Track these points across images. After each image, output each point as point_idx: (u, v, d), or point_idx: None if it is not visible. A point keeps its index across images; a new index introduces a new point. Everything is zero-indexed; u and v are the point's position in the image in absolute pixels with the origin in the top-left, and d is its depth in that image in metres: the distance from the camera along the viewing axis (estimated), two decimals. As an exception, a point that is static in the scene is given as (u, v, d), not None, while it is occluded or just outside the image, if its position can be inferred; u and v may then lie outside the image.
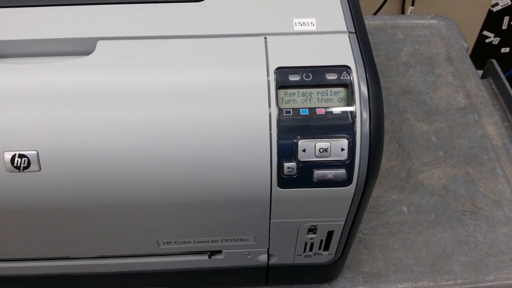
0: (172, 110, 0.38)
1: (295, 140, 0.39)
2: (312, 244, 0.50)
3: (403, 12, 1.38)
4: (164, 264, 0.52)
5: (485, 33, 1.50)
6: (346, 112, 0.39)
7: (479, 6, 1.41)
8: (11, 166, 0.38)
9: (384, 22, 0.93)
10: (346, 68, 0.39)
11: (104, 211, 0.42)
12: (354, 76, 0.39)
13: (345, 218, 0.45)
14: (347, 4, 0.44)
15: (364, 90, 0.39)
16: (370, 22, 0.93)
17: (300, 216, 0.45)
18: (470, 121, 0.78)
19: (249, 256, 0.52)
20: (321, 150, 0.39)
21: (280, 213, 0.44)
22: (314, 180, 0.40)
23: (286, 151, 0.39)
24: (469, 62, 0.86)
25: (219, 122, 0.38)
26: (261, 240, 0.49)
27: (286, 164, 0.39)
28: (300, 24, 0.42)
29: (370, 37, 0.43)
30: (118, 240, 0.48)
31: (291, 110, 0.39)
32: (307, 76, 0.39)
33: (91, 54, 0.40)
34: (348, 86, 0.39)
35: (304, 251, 0.51)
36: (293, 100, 0.39)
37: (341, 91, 0.39)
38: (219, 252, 0.51)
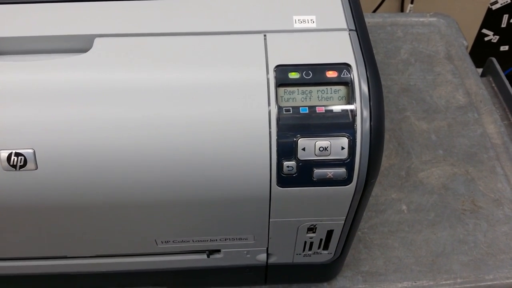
0: (170, 108, 0.38)
1: (294, 139, 0.38)
2: (311, 243, 0.50)
3: (402, 9, 1.38)
4: (162, 263, 0.52)
5: (485, 31, 1.50)
6: (346, 110, 0.39)
7: (479, 4, 1.41)
8: (7, 164, 0.38)
9: (383, 20, 0.93)
10: (347, 66, 0.39)
11: (101, 210, 0.42)
12: (355, 74, 0.39)
13: (344, 218, 0.45)
14: (347, 1, 0.43)
15: (365, 88, 0.39)
16: (369, 19, 0.93)
17: (300, 215, 0.45)
18: (470, 120, 0.78)
19: (248, 255, 0.51)
20: (321, 148, 0.38)
21: (280, 212, 0.44)
22: (314, 179, 0.40)
23: (286, 150, 0.38)
24: (468, 60, 0.86)
25: (218, 120, 0.38)
26: (260, 239, 0.48)
27: (286, 163, 0.39)
28: (300, 22, 0.42)
29: (369, 35, 0.43)
30: (116, 239, 0.47)
31: (290, 108, 0.38)
32: (307, 74, 0.39)
33: (88, 51, 0.40)
34: (348, 84, 0.39)
35: (304, 250, 0.51)
36: (293, 98, 0.39)
37: (341, 89, 0.39)
38: (218, 251, 0.51)
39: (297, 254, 0.52)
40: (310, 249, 0.51)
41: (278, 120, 0.38)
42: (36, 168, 0.38)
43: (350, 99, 0.39)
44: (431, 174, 0.71)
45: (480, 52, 1.52)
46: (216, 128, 0.38)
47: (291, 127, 0.38)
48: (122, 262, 0.52)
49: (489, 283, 0.61)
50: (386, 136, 0.75)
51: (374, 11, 1.36)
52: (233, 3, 0.43)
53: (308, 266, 0.55)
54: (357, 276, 0.61)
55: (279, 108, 0.38)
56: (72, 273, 0.53)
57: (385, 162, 0.72)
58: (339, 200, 0.42)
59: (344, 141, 0.38)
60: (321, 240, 0.49)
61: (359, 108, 0.38)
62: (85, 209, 0.42)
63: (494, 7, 1.44)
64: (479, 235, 0.65)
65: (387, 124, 0.76)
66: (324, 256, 0.52)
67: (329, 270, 0.58)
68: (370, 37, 0.43)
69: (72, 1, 0.43)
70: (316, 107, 0.39)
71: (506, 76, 0.84)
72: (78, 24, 0.41)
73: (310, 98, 0.39)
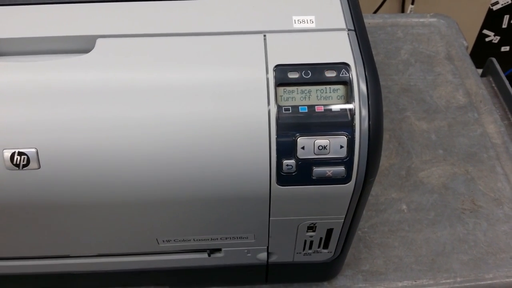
0: (170, 107, 0.38)
1: (294, 138, 0.39)
2: (311, 242, 0.50)
3: (403, 10, 1.38)
4: (163, 262, 0.52)
5: (485, 31, 1.50)
6: (345, 109, 0.39)
7: (479, 5, 1.41)
8: (10, 163, 0.38)
9: (384, 20, 0.93)
10: (345, 65, 0.39)
11: (103, 209, 0.42)
12: (353, 74, 0.39)
13: (344, 216, 0.45)
14: (346, 1, 0.44)
15: (363, 87, 0.39)
16: (370, 20, 0.93)
17: (300, 214, 0.45)
18: (470, 120, 0.78)
19: (248, 254, 0.52)
20: (320, 147, 0.39)
21: (280, 211, 0.44)
22: (313, 178, 0.40)
23: (285, 149, 0.39)
24: (468, 60, 0.86)
25: (218, 120, 0.38)
26: (261, 238, 0.49)
27: (285, 162, 0.39)
28: (299, 22, 0.42)
29: (370, 36, 0.43)
30: (118, 238, 0.48)
31: (290, 107, 0.39)
32: (306, 74, 0.39)
33: (90, 52, 0.40)
34: (347, 83, 0.39)
35: (304, 249, 0.51)
36: (292, 98, 0.39)
37: (340, 88, 0.39)
38: (219, 250, 0.51)
39: (297, 253, 0.52)
40: (310, 248, 0.51)
41: (277, 119, 0.39)
42: (39, 167, 0.38)
43: (348, 98, 0.39)
44: (431, 173, 0.71)
45: (481, 53, 1.52)
46: (216, 127, 0.38)
47: (291, 126, 0.39)
48: (124, 261, 0.52)
49: (489, 282, 0.61)
50: (386, 136, 0.75)
51: (375, 12, 1.36)
52: (233, 3, 0.43)
53: (308, 265, 0.55)
54: (358, 275, 0.62)
55: (279, 107, 0.39)
56: (74, 272, 0.54)
57: (385, 161, 0.72)
58: (338, 198, 0.43)
59: (343, 139, 0.39)
60: (321, 239, 0.49)
61: (358, 107, 0.39)
62: (87, 208, 0.42)
63: (495, 8, 1.44)
64: (479, 234, 0.65)
65: (387, 124, 0.77)
66: (324, 255, 0.53)
67: (329, 269, 0.58)
68: (371, 38, 0.43)
69: (74, 2, 0.43)
70: (315, 106, 0.39)
71: (507, 76, 0.84)
72: (80, 25, 0.42)
73: (309, 98, 0.39)
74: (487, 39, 1.53)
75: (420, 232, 0.65)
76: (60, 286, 0.57)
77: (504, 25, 1.49)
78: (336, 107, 0.39)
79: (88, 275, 0.55)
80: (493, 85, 0.85)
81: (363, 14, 0.44)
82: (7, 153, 0.38)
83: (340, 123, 0.39)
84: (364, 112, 0.39)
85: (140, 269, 0.54)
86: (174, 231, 0.47)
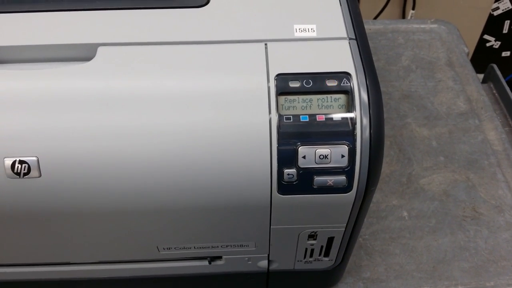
0: (172, 116, 0.38)
1: (295, 147, 0.39)
2: (312, 250, 0.50)
3: (404, 16, 1.38)
4: (164, 270, 0.52)
5: (486, 37, 1.51)
6: (346, 118, 0.39)
7: (480, 10, 1.41)
8: (11, 172, 0.38)
9: (384, 26, 0.93)
10: (346, 74, 0.39)
11: (104, 217, 0.42)
12: (354, 83, 0.39)
13: (345, 225, 0.45)
14: (348, 10, 0.44)
15: (364, 96, 0.39)
16: (370, 26, 0.93)
17: (300, 223, 0.45)
18: (471, 126, 0.78)
19: (249, 262, 0.52)
20: (321, 156, 0.39)
21: (280, 219, 0.44)
22: (314, 187, 0.40)
23: (286, 158, 0.39)
24: (469, 66, 0.86)
25: (219, 128, 0.38)
26: (262, 246, 0.49)
27: (286, 171, 0.39)
28: (300, 31, 0.42)
29: (370, 42, 0.43)
30: (118, 245, 0.48)
31: (291, 116, 0.39)
32: (307, 83, 0.39)
33: (92, 60, 0.40)
34: (348, 92, 0.39)
35: (305, 257, 0.51)
36: (293, 107, 0.39)
37: (341, 97, 0.39)
38: (220, 258, 0.51)
39: (298, 260, 0.52)
40: (311, 256, 0.51)
41: (278, 128, 0.39)
42: (40, 175, 0.38)
43: (350, 107, 0.39)
44: (432, 180, 0.71)
45: (482, 58, 1.52)
46: (217, 136, 0.38)
47: (292, 135, 0.39)
48: (125, 268, 0.52)
49: (490, 289, 0.61)
50: (387, 143, 0.75)
51: (376, 17, 1.36)
52: (234, 12, 0.43)
53: (309, 272, 0.55)
54: (359, 282, 0.62)
55: (280, 116, 0.39)
56: (74, 279, 0.54)
57: (386, 168, 0.72)
58: (339, 207, 0.42)
59: (344, 149, 0.39)
60: (322, 247, 0.49)
61: (359, 116, 0.39)
62: (88, 216, 0.42)
63: (495, 13, 1.44)
64: (480, 242, 0.65)
65: (388, 130, 0.77)
66: (325, 263, 0.53)
67: (330, 277, 0.58)
68: (372, 44, 0.43)
69: (75, 10, 0.43)
70: (317, 115, 0.39)
71: (507, 82, 0.84)
72: (82, 33, 0.42)
73: (310, 107, 0.39)
74: (488, 44, 1.53)
75: (421, 239, 0.65)
76: (60, 293, 0.57)
77: (505, 30, 1.50)
78: (337, 116, 0.39)
79: (88, 282, 0.55)
80: (494, 91, 0.85)
81: (364, 20, 0.44)
82: (8, 161, 0.38)
83: (341, 132, 0.39)
84: (365, 121, 0.39)
85: (140, 276, 0.54)
86: (175, 239, 0.47)
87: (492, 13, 1.44)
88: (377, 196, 0.69)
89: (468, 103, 0.81)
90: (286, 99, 0.39)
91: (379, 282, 0.62)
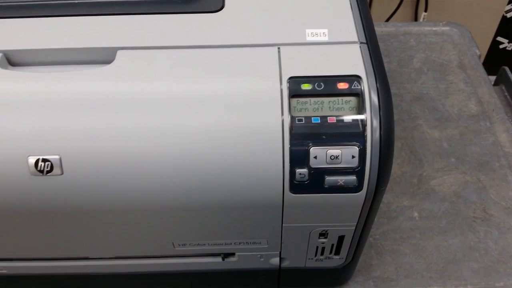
0: (189, 117, 0.40)
1: (307, 147, 0.40)
2: (323, 248, 0.51)
3: (416, 18, 1.39)
4: (179, 266, 0.54)
5: (499, 38, 1.50)
6: (357, 120, 0.40)
7: (493, 12, 1.41)
8: (34, 169, 0.40)
9: (396, 29, 0.94)
10: (357, 77, 0.41)
11: (123, 214, 0.44)
12: (365, 86, 0.40)
13: (355, 223, 0.46)
14: (358, 15, 0.45)
15: (375, 99, 0.40)
16: (382, 28, 0.94)
17: (312, 221, 0.46)
18: (482, 128, 0.78)
19: (261, 259, 0.53)
20: (332, 157, 0.40)
21: (292, 218, 0.45)
22: (325, 186, 0.41)
23: (298, 158, 0.40)
24: (481, 69, 0.87)
25: (234, 129, 0.40)
26: (274, 244, 0.50)
27: (298, 171, 0.40)
28: (312, 35, 0.43)
29: (382, 44, 0.44)
30: (135, 242, 0.49)
31: (303, 118, 0.40)
32: (319, 86, 0.40)
33: (111, 63, 0.42)
34: (359, 95, 0.40)
35: (316, 255, 0.52)
36: (305, 109, 0.40)
37: (352, 100, 0.40)
38: (233, 254, 0.52)
39: (309, 258, 0.53)
40: (322, 254, 0.52)
41: (291, 129, 0.40)
42: (62, 173, 0.40)
43: (360, 109, 0.40)
44: (443, 182, 0.72)
45: (495, 60, 1.52)
46: (232, 136, 0.40)
47: (304, 136, 0.40)
48: (141, 263, 0.53)
49: (499, 290, 0.61)
50: (399, 144, 0.76)
51: (387, 20, 1.36)
52: (248, 17, 0.45)
53: (320, 270, 0.56)
54: (369, 281, 0.62)
55: (292, 118, 0.40)
56: (93, 274, 0.55)
57: (397, 169, 0.73)
58: (349, 206, 0.44)
59: (355, 150, 0.40)
60: (332, 245, 0.50)
61: (369, 118, 0.40)
62: (107, 213, 0.44)
63: (508, 15, 1.44)
64: (490, 243, 0.66)
65: (399, 132, 0.77)
66: (336, 261, 0.53)
67: (340, 275, 0.59)
68: (383, 46, 0.44)
69: (96, 15, 0.45)
70: (328, 117, 0.40)
71: (520, 84, 0.84)
72: (102, 37, 0.43)
73: (321, 109, 0.40)
74: (501, 46, 1.52)
75: (431, 239, 0.66)
76: (79, 286, 0.59)
77: (519, 32, 1.49)
78: (348, 118, 0.40)
79: (106, 277, 0.56)
80: (506, 94, 0.85)
81: (376, 23, 0.45)
82: (32, 160, 0.40)
83: (352, 134, 0.40)
84: (376, 123, 0.40)
85: (156, 272, 0.55)
86: (190, 236, 0.48)
87: (505, 15, 1.43)
88: (388, 197, 0.70)
89: (479, 105, 0.81)
90: (298, 101, 0.40)
91: (389, 281, 0.62)
